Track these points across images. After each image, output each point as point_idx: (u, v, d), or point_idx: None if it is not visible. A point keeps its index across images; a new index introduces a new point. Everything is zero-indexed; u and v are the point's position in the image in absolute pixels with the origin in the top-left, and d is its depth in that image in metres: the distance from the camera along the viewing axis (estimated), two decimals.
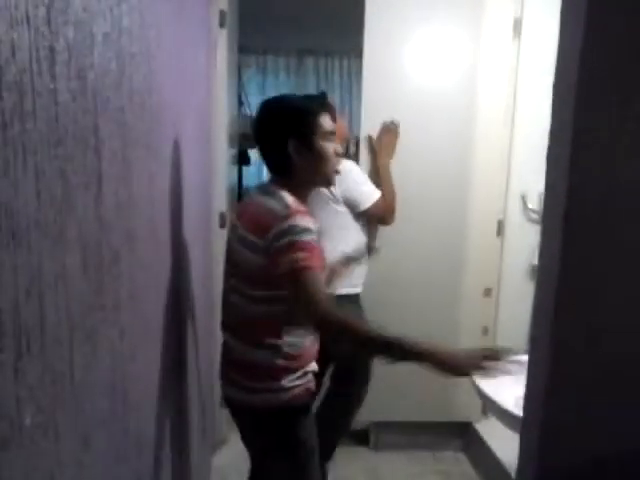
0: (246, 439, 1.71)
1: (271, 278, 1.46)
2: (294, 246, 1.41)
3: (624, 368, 1.22)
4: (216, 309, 2.70)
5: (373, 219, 2.56)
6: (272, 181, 1.63)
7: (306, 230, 1.44)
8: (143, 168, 1.11)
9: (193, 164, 1.94)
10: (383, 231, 2.71)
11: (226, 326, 1.69)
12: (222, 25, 2.61)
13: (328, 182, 1.70)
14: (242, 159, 3.98)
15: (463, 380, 2.31)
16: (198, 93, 2.07)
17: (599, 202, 1.15)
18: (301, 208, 1.51)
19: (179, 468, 1.73)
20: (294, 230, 1.43)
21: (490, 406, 2.21)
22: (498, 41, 2.70)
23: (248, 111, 4.15)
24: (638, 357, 1.22)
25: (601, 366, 1.22)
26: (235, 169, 3.63)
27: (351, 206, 2.43)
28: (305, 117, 1.59)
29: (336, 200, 2.39)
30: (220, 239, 2.75)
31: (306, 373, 1.63)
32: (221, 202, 2.79)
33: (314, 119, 1.59)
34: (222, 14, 2.59)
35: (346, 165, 2.38)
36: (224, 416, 2.90)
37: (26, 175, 0.56)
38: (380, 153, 2.64)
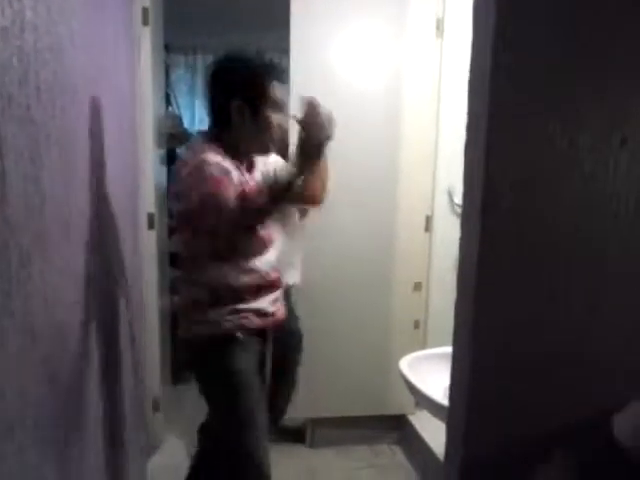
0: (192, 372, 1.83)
1: (189, 217, 1.60)
2: (201, 182, 1.52)
3: (541, 356, 1.26)
4: (147, 310, 2.65)
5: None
6: (200, 135, 1.73)
7: (208, 164, 1.54)
8: (56, 167, 1.07)
9: (117, 164, 1.89)
10: (312, 228, 2.71)
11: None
12: (145, 23, 2.55)
13: (265, 150, 1.75)
14: (172, 159, 3.90)
15: (397, 373, 2.35)
16: (120, 92, 2.02)
17: (515, 194, 1.19)
18: (208, 150, 1.60)
19: (112, 475, 1.68)
20: (199, 168, 1.53)
21: (419, 398, 2.26)
22: (422, 40, 2.75)
23: (177, 111, 4.08)
24: (554, 346, 1.26)
25: (519, 355, 1.26)
26: (164, 169, 3.57)
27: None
28: (256, 83, 1.61)
29: None
30: (149, 240, 2.71)
31: (237, 310, 1.71)
32: (149, 203, 2.73)
33: (265, 87, 1.61)
34: (145, 11, 2.54)
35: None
36: (158, 419, 2.86)
37: None
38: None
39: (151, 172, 2.74)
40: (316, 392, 2.84)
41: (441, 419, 1.99)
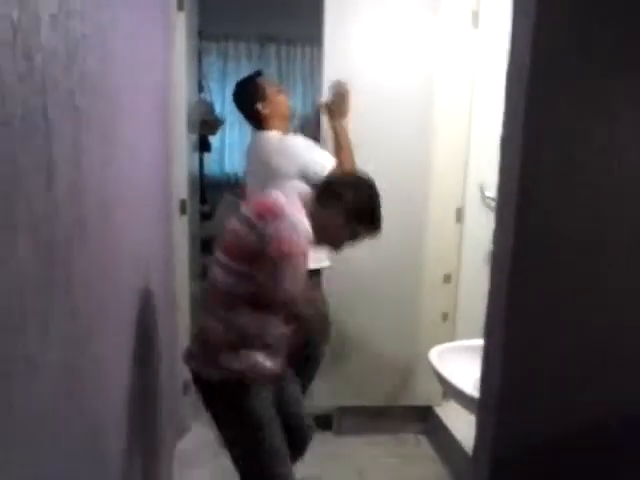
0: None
1: (255, 257, 1.62)
2: (295, 262, 1.64)
3: (575, 351, 1.25)
4: (178, 293, 2.69)
5: None
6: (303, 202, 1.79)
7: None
8: (96, 152, 1.09)
9: (151, 149, 1.92)
10: None
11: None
12: (180, 8, 2.57)
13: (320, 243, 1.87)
14: (202, 146, 3.93)
15: (424, 365, 2.36)
16: (155, 78, 2.04)
17: (551, 188, 1.18)
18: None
19: (143, 452, 1.72)
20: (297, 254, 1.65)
21: (448, 389, 2.26)
22: (457, 33, 2.73)
23: (208, 97, 4.10)
24: (589, 343, 1.25)
25: (553, 350, 1.25)
26: (196, 156, 3.60)
27: (309, 177, 2.37)
28: (363, 213, 1.87)
29: (290, 177, 2.40)
30: (181, 225, 2.74)
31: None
32: (182, 189, 2.76)
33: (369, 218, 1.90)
34: None
35: (291, 139, 2.47)
36: (188, 402, 2.90)
37: None
38: (333, 114, 2.57)
39: (184, 158, 2.77)
40: (344, 381, 2.86)
41: (471, 411, 1.99)
